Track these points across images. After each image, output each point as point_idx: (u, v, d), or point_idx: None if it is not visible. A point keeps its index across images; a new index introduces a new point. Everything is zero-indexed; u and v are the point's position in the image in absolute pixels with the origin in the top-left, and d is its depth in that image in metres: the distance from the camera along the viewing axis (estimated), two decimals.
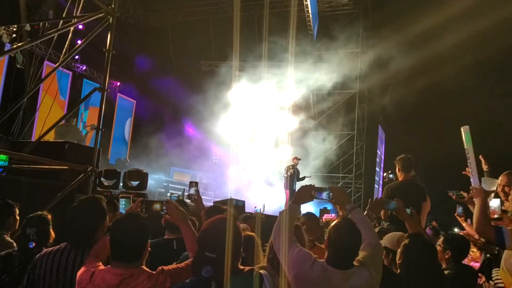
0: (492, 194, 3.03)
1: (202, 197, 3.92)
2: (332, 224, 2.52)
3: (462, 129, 3.07)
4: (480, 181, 2.97)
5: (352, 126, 16.44)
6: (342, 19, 16.28)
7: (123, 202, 3.07)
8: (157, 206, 2.84)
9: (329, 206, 11.57)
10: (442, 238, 3.49)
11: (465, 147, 3.03)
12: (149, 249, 2.34)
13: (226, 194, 13.27)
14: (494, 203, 3.12)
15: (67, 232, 2.72)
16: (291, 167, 12.30)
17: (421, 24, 13.89)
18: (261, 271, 2.21)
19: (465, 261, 3.78)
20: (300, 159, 12.99)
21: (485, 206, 2.82)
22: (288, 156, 13.66)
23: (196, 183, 3.85)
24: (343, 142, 16.49)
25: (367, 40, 16.75)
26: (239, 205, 8.06)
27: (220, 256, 2.04)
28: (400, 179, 4.92)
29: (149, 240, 2.35)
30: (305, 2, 14.23)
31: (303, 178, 12.47)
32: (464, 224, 4.45)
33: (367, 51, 16.66)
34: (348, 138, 16.48)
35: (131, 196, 3.15)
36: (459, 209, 4.47)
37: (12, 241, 3.53)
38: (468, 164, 2.99)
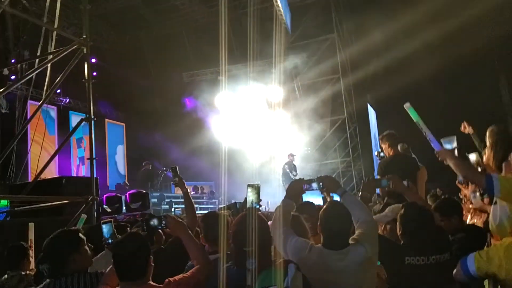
0: (456, 150, 3.06)
1: (208, 206, 4.02)
2: (322, 209, 2.63)
3: (405, 107, 3.15)
4: (441, 144, 3.05)
5: (341, 110, 16.52)
6: (312, 8, 16.34)
7: (106, 228, 3.16)
8: (154, 221, 2.90)
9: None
10: (438, 210, 3.49)
11: (415, 121, 3.10)
12: (153, 264, 2.41)
13: (230, 198, 13.34)
14: (472, 157, 3.21)
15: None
16: (286, 164, 12.42)
17: None
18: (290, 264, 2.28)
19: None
20: (294, 155, 13.09)
21: (457, 159, 2.89)
22: (282, 152, 13.72)
23: (175, 167, 3.90)
24: (336, 128, 16.58)
25: (341, 24, 16.84)
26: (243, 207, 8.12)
27: (255, 250, 2.20)
28: (390, 154, 5.02)
29: (151, 256, 2.42)
30: None
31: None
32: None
33: (343, 34, 16.77)
34: (340, 122, 16.57)
35: (111, 220, 3.24)
36: (460, 178, 4.53)
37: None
38: (424, 133, 3.06)
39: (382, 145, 5.22)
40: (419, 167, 4.82)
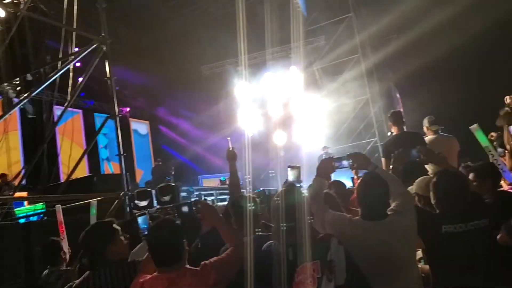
0: None
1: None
2: (359, 181, 2.59)
3: (471, 129, 3.03)
4: None
5: (364, 91, 16.25)
6: None
7: (141, 219, 3.22)
8: (185, 208, 2.92)
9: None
10: (473, 171, 3.44)
11: (483, 146, 2.99)
12: (187, 248, 2.43)
13: (257, 186, 13.37)
14: None
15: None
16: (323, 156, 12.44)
17: None
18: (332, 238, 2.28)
19: None
20: (328, 148, 13.09)
21: None
22: (307, 139, 13.66)
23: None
24: (360, 108, 16.34)
25: (358, 2, 16.51)
26: (272, 194, 8.12)
27: (296, 225, 2.22)
28: (395, 133, 4.98)
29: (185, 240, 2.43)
30: None
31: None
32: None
33: (359, 13, 16.43)
34: (364, 103, 16.32)
35: (146, 212, 3.30)
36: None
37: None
38: (495, 161, 2.96)
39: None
40: (424, 142, 4.75)
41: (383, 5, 14.98)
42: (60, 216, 4.60)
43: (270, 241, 2.46)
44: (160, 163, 14.41)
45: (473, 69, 15.31)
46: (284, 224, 2.24)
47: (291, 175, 2.69)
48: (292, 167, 2.71)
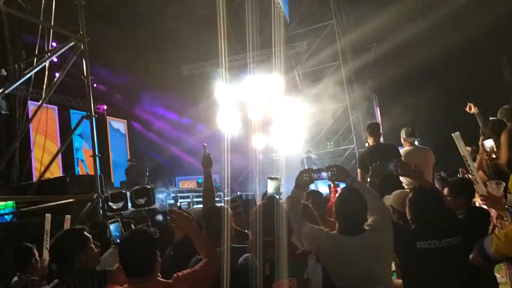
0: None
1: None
2: (337, 195, 2.59)
3: (453, 136, 3.07)
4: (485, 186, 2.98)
5: (343, 98, 16.41)
6: None
7: (113, 226, 3.13)
8: (159, 217, 2.86)
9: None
10: (447, 186, 3.50)
11: (462, 154, 3.03)
12: (159, 260, 2.37)
13: (234, 189, 13.33)
14: (488, 143, 3.15)
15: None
16: (305, 159, 12.61)
17: None
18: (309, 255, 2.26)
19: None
20: (311, 152, 13.28)
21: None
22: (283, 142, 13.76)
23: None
24: (338, 115, 16.49)
25: (340, 10, 16.68)
26: (249, 199, 8.08)
27: (275, 240, 2.17)
28: (371, 144, 5.07)
29: (157, 252, 2.37)
30: None
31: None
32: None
33: (341, 20, 16.61)
34: (343, 110, 16.48)
35: (119, 219, 3.22)
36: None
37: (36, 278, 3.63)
38: (470, 171, 3.01)
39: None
40: (399, 154, 4.84)
41: (365, 14, 15.20)
42: (48, 226, 4.42)
43: (247, 254, 2.42)
44: (134, 163, 14.13)
45: (452, 78, 15.69)
46: (264, 238, 2.19)
47: (270, 187, 2.67)
48: (272, 179, 2.69)
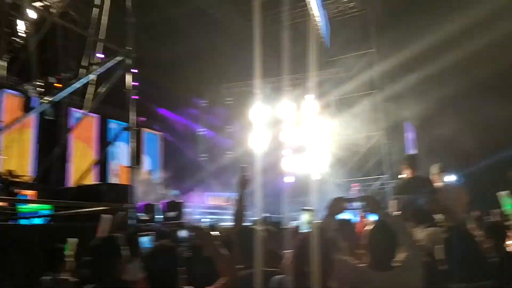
0: None
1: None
2: (369, 228, 2.59)
3: (498, 195, 3.07)
4: None
5: (377, 126, 16.24)
6: (351, 21, 16.27)
7: (146, 239, 3.21)
8: (183, 233, 2.92)
9: None
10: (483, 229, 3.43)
11: (509, 213, 3.02)
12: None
13: (264, 211, 13.29)
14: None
15: None
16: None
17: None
18: None
19: None
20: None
21: None
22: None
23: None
24: (371, 143, 16.32)
25: (380, 39, 16.66)
26: (274, 222, 8.07)
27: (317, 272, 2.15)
28: (407, 176, 5.04)
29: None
30: (311, 12, 14.29)
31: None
32: None
33: (382, 49, 16.57)
34: (376, 138, 16.30)
35: (155, 233, 3.29)
36: None
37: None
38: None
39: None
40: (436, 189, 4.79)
41: (404, 42, 15.07)
42: (71, 250, 4.50)
43: (281, 275, 2.43)
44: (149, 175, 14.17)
45: (494, 104, 15.24)
46: (304, 268, 2.17)
47: (304, 218, 2.70)
48: (305, 210, 2.72)
